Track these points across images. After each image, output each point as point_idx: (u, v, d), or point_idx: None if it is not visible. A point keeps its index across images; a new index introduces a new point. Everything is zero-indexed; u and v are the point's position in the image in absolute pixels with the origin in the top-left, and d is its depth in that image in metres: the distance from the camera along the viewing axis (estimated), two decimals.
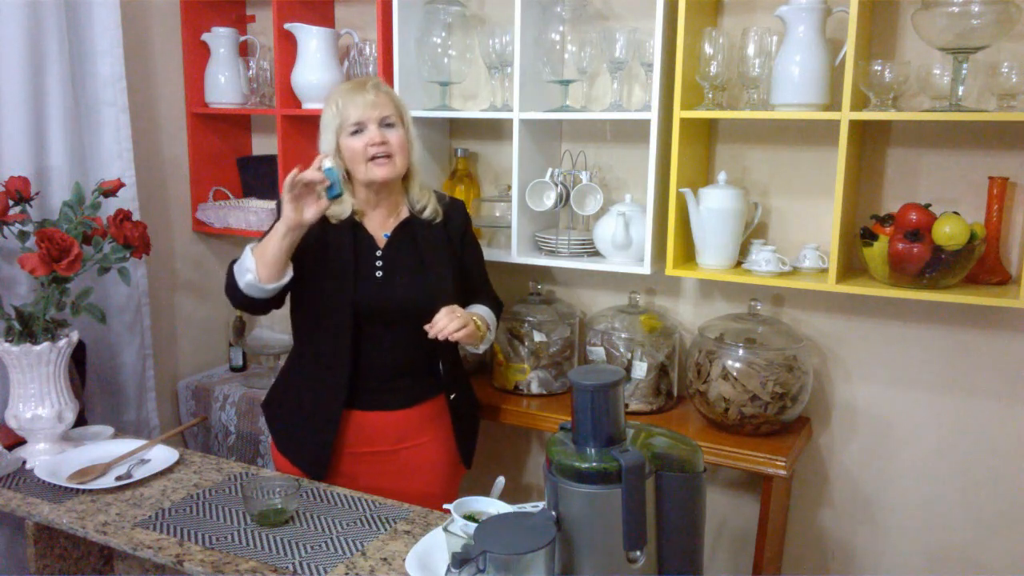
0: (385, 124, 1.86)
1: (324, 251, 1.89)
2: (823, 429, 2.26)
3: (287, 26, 2.51)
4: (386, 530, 1.62)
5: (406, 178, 1.96)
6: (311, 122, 2.61)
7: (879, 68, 1.89)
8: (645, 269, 2.13)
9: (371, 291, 1.88)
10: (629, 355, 2.22)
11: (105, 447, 1.96)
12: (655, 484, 1.24)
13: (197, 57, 2.75)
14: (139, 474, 1.82)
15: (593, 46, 2.19)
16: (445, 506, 1.52)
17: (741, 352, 2.07)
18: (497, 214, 2.46)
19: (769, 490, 2.01)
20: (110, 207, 2.10)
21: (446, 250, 1.97)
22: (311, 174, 1.70)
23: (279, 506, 1.63)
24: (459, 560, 1.18)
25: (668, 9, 2.03)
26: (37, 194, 2.07)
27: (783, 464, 1.95)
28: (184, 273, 2.85)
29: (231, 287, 1.83)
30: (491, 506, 1.50)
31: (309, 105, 2.57)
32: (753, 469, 1.99)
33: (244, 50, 2.78)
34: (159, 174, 2.71)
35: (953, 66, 1.82)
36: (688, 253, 2.18)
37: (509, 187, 2.33)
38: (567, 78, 2.26)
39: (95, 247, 1.98)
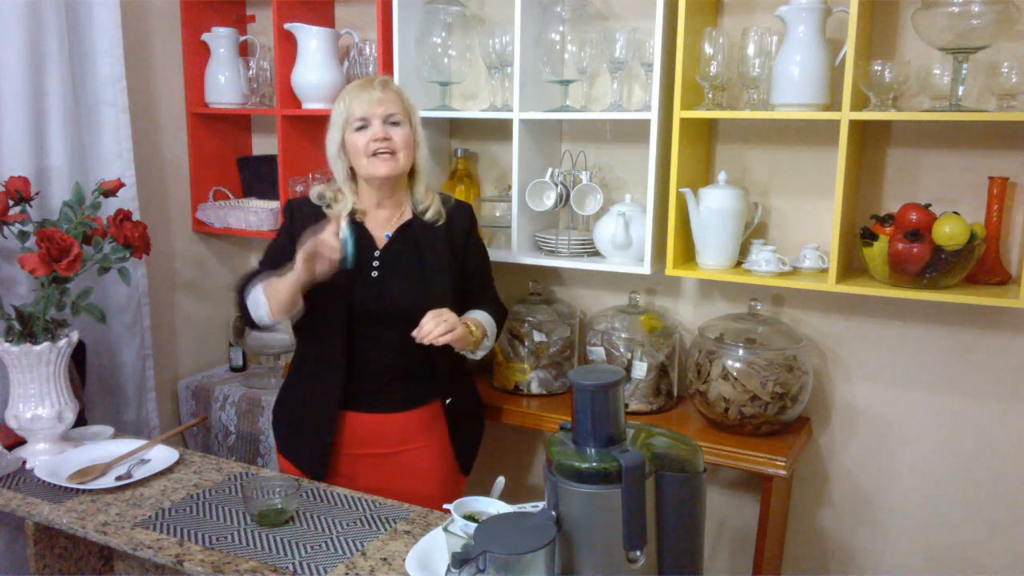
0: (390, 122, 1.86)
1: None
2: (823, 429, 2.26)
3: (287, 26, 2.51)
4: (386, 530, 1.62)
5: (411, 177, 1.96)
6: (311, 122, 2.62)
7: (879, 68, 1.89)
8: (645, 269, 2.13)
9: (366, 292, 1.88)
10: (629, 355, 2.22)
11: (105, 447, 1.96)
12: (655, 484, 1.24)
13: (197, 57, 2.75)
14: (139, 474, 1.82)
15: (593, 46, 2.19)
16: (445, 506, 1.52)
17: (741, 352, 2.07)
18: (497, 214, 2.46)
19: (769, 490, 2.01)
20: (110, 207, 2.10)
21: (446, 254, 1.95)
22: (329, 240, 1.70)
23: (279, 506, 1.63)
24: (459, 560, 1.18)
25: (668, 9, 2.03)
26: (37, 194, 2.07)
27: (783, 464, 1.95)
28: (184, 273, 2.85)
29: (244, 312, 1.89)
30: (491, 506, 1.50)
31: (309, 105, 2.57)
32: (753, 469, 1.99)
33: (244, 50, 2.78)
34: (159, 174, 2.71)
35: (953, 66, 1.82)
36: (688, 253, 2.18)
37: (509, 187, 2.33)
38: (567, 78, 2.26)
39: (95, 247, 1.98)
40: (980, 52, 1.79)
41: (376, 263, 1.91)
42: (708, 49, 2.04)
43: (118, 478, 1.80)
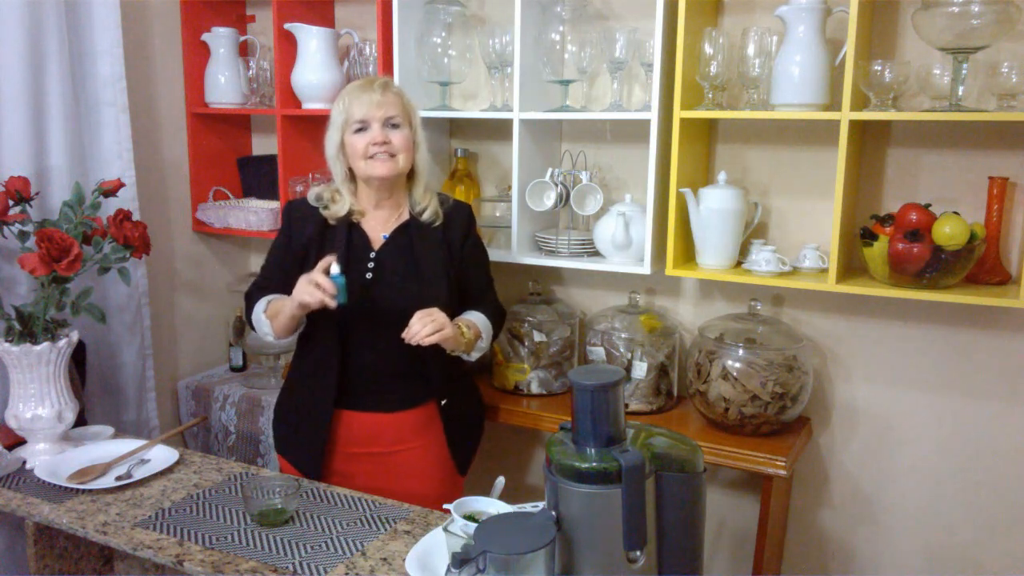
0: (390, 124, 1.86)
1: (318, 251, 1.89)
2: (823, 429, 2.26)
3: (287, 26, 2.51)
4: (386, 530, 1.62)
5: (410, 178, 1.96)
6: (311, 122, 2.62)
7: (879, 68, 1.89)
8: (645, 269, 2.13)
9: (358, 294, 1.87)
10: (629, 355, 2.22)
11: (105, 447, 1.96)
12: (655, 484, 1.24)
13: (197, 57, 2.75)
14: (139, 474, 1.82)
15: (593, 46, 2.19)
16: (445, 506, 1.52)
17: (741, 352, 2.07)
18: (497, 214, 2.46)
19: (769, 490, 2.01)
20: (110, 207, 2.10)
21: (443, 255, 1.94)
22: (321, 280, 1.73)
23: (279, 506, 1.63)
24: (459, 560, 1.17)
25: (668, 9, 2.03)
26: (37, 194, 2.07)
27: (783, 464, 1.95)
28: (184, 273, 2.84)
29: (253, 328, 1.99)
30: (491, 506, 1.50)
31: (309, 105, 2.57)
32: (753, 469, 1.99)
33: (244, 50, 2.78)
34: (159, 174, 2.71)
35: (953, 66, 1.82)
36: (688, 253, 2.18)
37: (509, 187, 2.33)
38: (567, 78, 2.26)
39: (95, 247, 1.98)
40: (980, 52, 1.79)
41: (371, 264, 1.91)
42: (708, 49, 2.04)
43: (118, 478, 1.80)
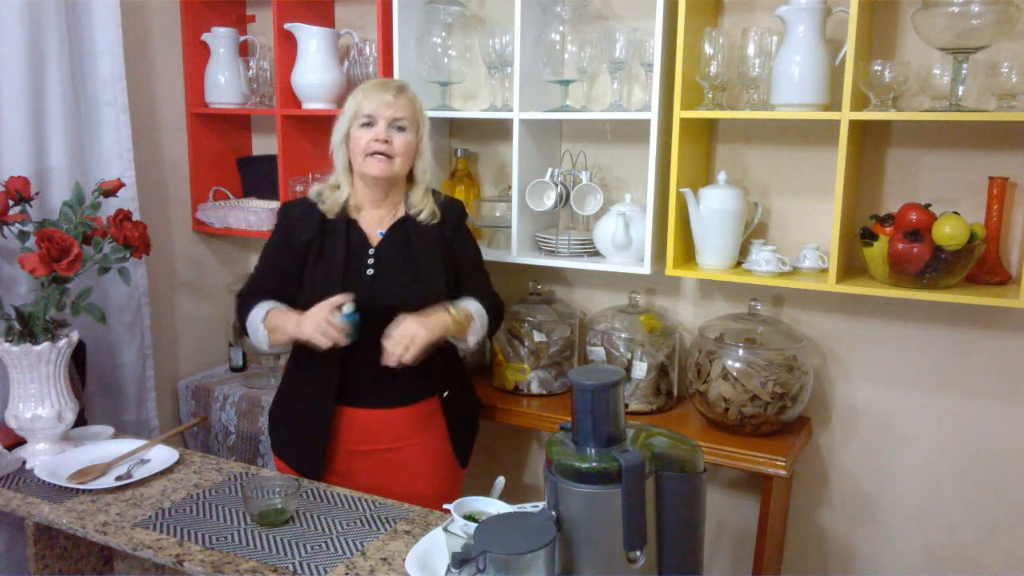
0: (396, 126, 1.87)
1: (319, 248, 1.90)
2: (823, 429, 2.26)
3: (287, 26, 2.51)
4: (386, 530, 1.62)
5: (410, 181, 1.98)
6: (311, 122, 2.62)
7: (879, 68, 1.89)
8: (645, 269, 2.13)
9: (361, 290, 1.88)
10: (629, 355, 2.22)
11: (105, 447, 1.96)
12: (655, 484, 1.24)
13: (197, 57, 2.75)
14: (139, 474, 1.82)
15: (593, 46, 2.19)
16: (445, 506, 1.52)
17: (741, 352, 2.07)
18: (497, 214, 2.46)
19: (769, 490, 2.01)
20: (110, 207, 2.10)
21: (439, 250, 1.96)
22: (335, 322, 1.77)
23: (279, 506, 1.63)
24: (459, 560, 1.17)
25: (668, 9, 2.03)
26: (37, 194, 2.07)
27: (783, 464, 1.95)
28: (184, 273, 2.84)
29: (244, 331, 1.98)
30: (491, 506, 1.50)
31: (309, 105, 2.57)
32: (753, 469, 1.99)
33: (244, 50, 2.78)
34: (159, 174, 2.71)
35: (953, 66, 1.82)
36: (688, 253, 2.18)
37: (509, 187, 2.33)
38: (567, 78, 2.26)
39: (95, 247, 1.98)
40: (980, 52, 1.79)
41: (371, 260, 1.92)
42: (708, 49, 2.04)
43: (118, 478, 1.80)
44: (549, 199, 2.24)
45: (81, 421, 2.08)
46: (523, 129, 2.23)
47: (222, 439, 2.71)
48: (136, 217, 2.28)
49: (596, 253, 2.26)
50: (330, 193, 1.95)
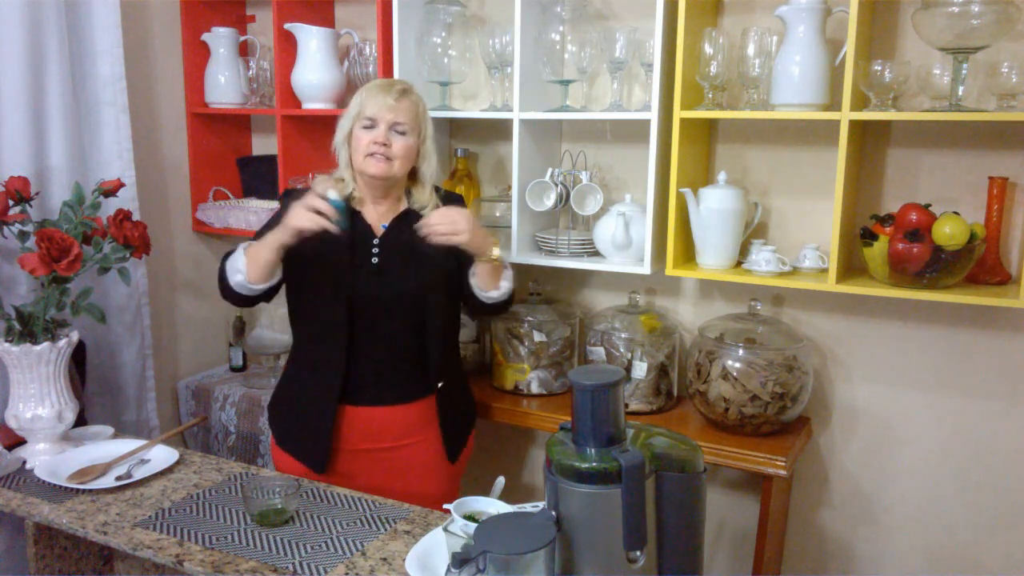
0: (396, 130, 1.88)
1: (323, 241, 1.90)
2: (823, 429, 2.26)
3: (287, 26, 2.51)
4: (386, 530, 1.62)
5: (412, 180, 1.99)
6: (311, 122, 2.62)
7: (879, 68, 1.89)
8: (645, 269, 2.13)
9: (367, 280, 1.89)
10: (629, 355, 2.22)
11: (105, 447, 1.96)
12: (655, 484, 1.24)
13: (197, 57, 2.75)
14: (139, 474, 1.82)
15: (593, 46, 2.19)
16: (445, 506, 1.52)
17: (741, 352, 2.07)
18: (497, 214, 2.46)
19: (769, 490, 2.01)
20: (110, 207, 2.10)
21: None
22: (320, 204, 1.73)
23: (279, 506, 1.63)
24: (459, 560, 1.17)
25: (668, 9, 2.03)
26: (37, 194, 2.07)
27: (783, 464, 1.95)
28: (184, 273, 2.85)
29: (222, 281, 1.89)
30: (491, 506, 1.50)
31: (309, 105, 2.57)
32: (753, 469, 1.99)
33: (244, 50, 2.78)
34: (159, 174, 2.71)
35: (953, 66, 1.82)
36: (688, 253, 2.18)
37: (509, 187, 2.33)
38: (567, 78, 2.26)
39: (95, 247, 1.98)
40: (980, 52, 1.79)
41: (376, 250, 1.92)
42: (708, 49, 2.04)
43: (118, 478, 1.80)
44: (549, 199, 2.24)
45: (81, 421, 2.08)
46: (523, 129, 2.23)
47: (222, 439, 2.71)
48: (136, 217, 2.28)
49: (596, 253, 2.26)
50: (335, 185, 1.96)
